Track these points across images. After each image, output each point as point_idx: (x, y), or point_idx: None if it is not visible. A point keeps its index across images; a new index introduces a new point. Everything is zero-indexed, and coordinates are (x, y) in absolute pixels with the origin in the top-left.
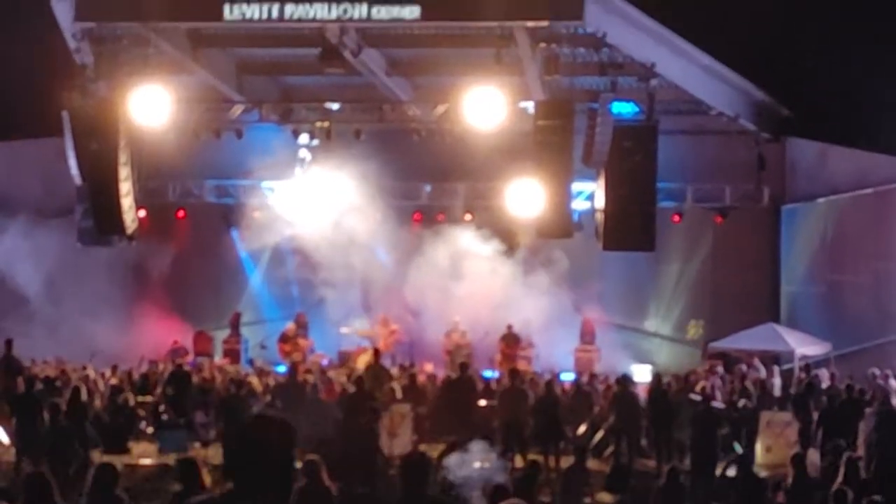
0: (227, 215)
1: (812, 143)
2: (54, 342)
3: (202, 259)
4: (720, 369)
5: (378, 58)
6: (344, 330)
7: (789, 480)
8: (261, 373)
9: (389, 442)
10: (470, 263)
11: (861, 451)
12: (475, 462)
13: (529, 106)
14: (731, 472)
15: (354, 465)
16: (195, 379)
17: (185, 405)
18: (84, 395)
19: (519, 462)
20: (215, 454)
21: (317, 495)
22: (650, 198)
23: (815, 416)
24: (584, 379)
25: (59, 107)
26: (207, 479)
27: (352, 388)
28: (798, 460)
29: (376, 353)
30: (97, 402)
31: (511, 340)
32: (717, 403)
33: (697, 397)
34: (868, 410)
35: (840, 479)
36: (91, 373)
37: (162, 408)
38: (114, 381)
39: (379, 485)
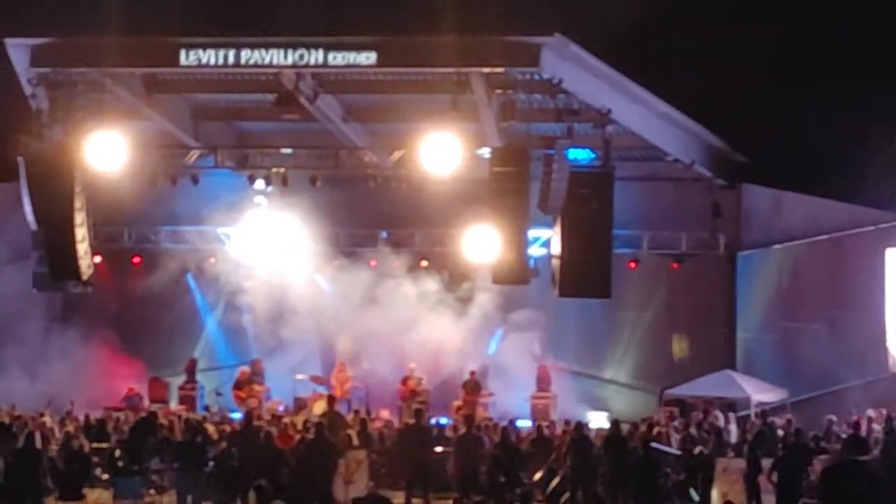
0: (183, 261)
1: (767, 189)
2: (8, 388)
3: (157, 305)
4: (676, 416)
5: (334, 104)
6: (299, 376)
7: None
8: (222, 419)
9: (345, 489)
10: (425, 310)
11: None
12: None
13: (486, 152)
14: None
15: None
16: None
17: (141, 452)
18: (38, 442)
19: None
20: (170, 501)
21: None
22: (606, 244)
23: (769, 463)
24: (544, 424)
25: (14, 152)
26: None
27: (309, 435)
28: None
29: (331, 400)
30: (53, 449)
31: (472, 388)
32: (672, 449)
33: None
34: (824, 458)
35: None
36: (47, 419)
37: (118, 454)
38: (69, 427)
39: None
